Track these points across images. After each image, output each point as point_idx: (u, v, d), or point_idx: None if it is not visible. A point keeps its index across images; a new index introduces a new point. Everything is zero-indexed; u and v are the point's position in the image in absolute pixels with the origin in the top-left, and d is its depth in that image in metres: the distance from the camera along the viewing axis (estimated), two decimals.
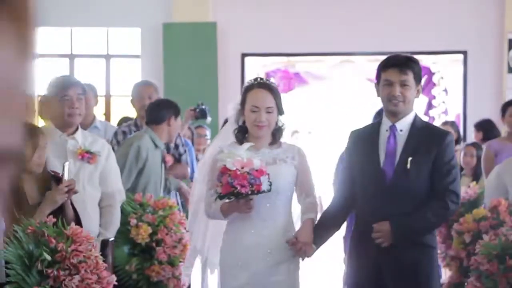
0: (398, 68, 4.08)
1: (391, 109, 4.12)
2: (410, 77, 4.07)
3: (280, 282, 4.11)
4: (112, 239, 4.65)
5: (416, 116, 4.18)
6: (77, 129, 4.95)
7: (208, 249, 4.49)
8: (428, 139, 4.10)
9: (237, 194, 3.92)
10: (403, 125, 4.12)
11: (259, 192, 3.93)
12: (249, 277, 4.08)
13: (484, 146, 6.96)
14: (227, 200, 4.04)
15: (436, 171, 4.05)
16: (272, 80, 4.48)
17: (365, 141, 4.21)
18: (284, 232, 4.14)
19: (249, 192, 3.91)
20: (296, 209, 4.30)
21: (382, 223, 4.00)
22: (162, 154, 5.89)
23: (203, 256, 4.52)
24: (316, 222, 4.20)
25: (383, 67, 4.16)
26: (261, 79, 4.28)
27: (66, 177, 4.16)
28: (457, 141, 8.74)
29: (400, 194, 4.03)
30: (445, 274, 7.01)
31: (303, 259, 4.17)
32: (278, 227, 4.14)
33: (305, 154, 4.29)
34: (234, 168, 3.92)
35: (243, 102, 4.21)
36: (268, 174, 3.97)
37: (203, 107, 7.53)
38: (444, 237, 6.58)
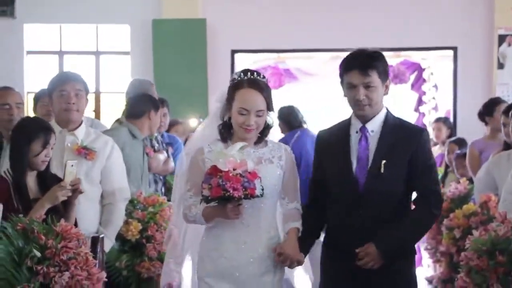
0: (360, 70, 3.76)
1: (358, 113, 3.84)
2: (374, 78, 3.75)
3: None
4: (102, 235, 4.62)
5: (387, 113, 3.88)
6: (80, 125, 4.92)
7: (186, 251, 4.13)
8: (403, 138, 3.81)
9: (228, 198, 3.56)
10: (374, 125, 3.83)
11: (252, 196, 3.57)
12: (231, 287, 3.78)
13: (468, 145, 6.99)
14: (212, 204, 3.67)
15: (414, 171, 3.78)
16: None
17: (335, 145, 3.88)
18: (268, 240, 3.82)
19: (242, 196, 3.55)
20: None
21: (366, 247, 3.71)
22: (144, 145, 5.84)
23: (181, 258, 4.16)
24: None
25: (345, 69, 3.84)
26: (251, 74, 3.83)
27: (66, 175, 4.15)
28: (450, 138, 8.76)
29: (374, 200, 3.74)
30: (436, 270, 7.04)
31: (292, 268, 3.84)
32: (261, 234, 3.81)
33: (292, 154, 3.92)
34: (227, 169, 3.57)
35: (230, 99, 3.84)
36: (260, 178, 3.64)
37: None
38: (435, 232, 6.60)
